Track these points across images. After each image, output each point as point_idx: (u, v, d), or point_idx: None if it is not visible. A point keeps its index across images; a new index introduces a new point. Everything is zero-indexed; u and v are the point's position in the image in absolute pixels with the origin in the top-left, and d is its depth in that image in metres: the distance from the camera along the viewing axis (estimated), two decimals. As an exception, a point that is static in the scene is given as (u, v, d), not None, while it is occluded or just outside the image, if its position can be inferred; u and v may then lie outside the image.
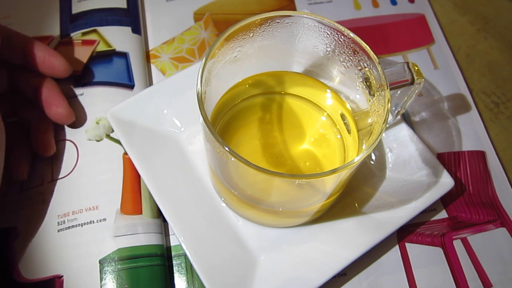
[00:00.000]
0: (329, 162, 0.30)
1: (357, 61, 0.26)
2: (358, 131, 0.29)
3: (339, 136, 0.30)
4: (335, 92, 0.31)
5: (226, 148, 0.22)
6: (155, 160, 0.31)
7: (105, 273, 0.29)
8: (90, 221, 0.31)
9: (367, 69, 0.26)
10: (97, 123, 0.34)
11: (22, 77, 0.32)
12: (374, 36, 0.42)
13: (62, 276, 0.29)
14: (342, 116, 0.30)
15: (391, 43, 0.42)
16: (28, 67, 0.32)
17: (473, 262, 0.32)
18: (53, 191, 0.32)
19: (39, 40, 0.32)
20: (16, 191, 0.32)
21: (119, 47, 0.38)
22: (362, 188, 0.32)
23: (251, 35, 0.27)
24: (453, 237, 0.33)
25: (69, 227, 0.30)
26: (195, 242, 0.29)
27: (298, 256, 0.29)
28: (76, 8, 0.39)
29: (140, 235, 0.31)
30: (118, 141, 0.33)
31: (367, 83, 0.26)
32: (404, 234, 0.33)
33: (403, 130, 0.33)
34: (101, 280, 0.29)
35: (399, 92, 0.29)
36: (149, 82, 0.38)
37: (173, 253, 0.32)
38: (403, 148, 0.33)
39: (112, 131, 0.34)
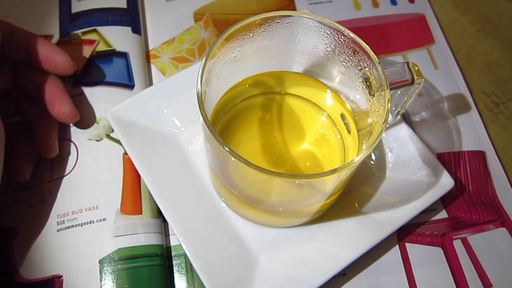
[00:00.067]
0: (329, 162, 0.30)
1: (357, 61, 0.26)
2: (358, 131, 0.29)
3: (339, 136, 0.30)
4: (335, 92, 0.31)
5: (226, 148, 0.22)
6: (155, 160, 0.31)
7: (105, 273, 0.29)
8: (90, 221, 0.31)
9: (367, 69, 0.26)
10: (97, 123, 0.34)
11: (25, 74, 0.32)
12: (374, 36, 0.42)
13: (61, 276, 0.29)
14: (342, 116, 0.30)
15: (391, 43, 0.42)
16: (31, 64, 0.31)
17: (473, 262, 0.32)
18: (52, 190, 0.32)
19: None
20: (16, 190, 0.32)
21: (119, 47, 0.37)
22: (362, 188, 0.32)
23: (251, 35, 0.27)
24: (453, 237, 0.33)
25: (68, 227, 0.30)
26: (195, 242, 0.29)
27: (298, 256, 0.29)
28: (76, 8, 0.39)
29: (140, 235, 0.31)
30: (118, 141, 0.33)
31: (367, 83, 0.26)
32: (404, 234, 0.33)
33: (403, 130, 0.33)
34: (101, 280, 0.29)
35: (399, 92, 0.29)
36: (149, 82, 0.38)
37: (173, 253, 0.32)
38: (403, 148, 0.33)
39: (112, 131, 0.34)
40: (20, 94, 0.33)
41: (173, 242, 0.32)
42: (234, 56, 0.27)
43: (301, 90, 0.31)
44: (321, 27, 0.26)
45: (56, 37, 0.38)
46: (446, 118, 0.38)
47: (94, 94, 0.35)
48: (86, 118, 0.34)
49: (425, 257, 0.32)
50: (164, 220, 0.32)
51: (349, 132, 0.30)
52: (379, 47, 0.41)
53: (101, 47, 0.37)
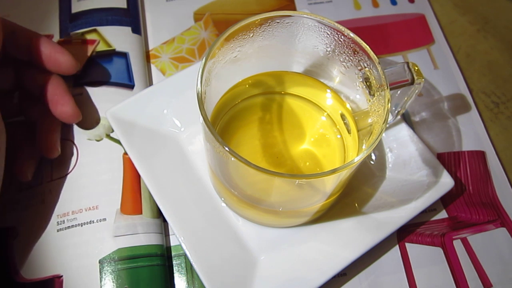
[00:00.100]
0: (329, 162, 0.30)
1: (357, 61, 0.26)
2: (358, 131, 0.29)
3: (339, 136, 0.30)
4: (335, 92, 0.31)
5: (226, 148, 0.22)
6: (155, 160, 0.31)
7: (105, 273, 0.29)
8: (90, 221, 0.31)
9: (367, 69, 0.26)
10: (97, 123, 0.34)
11: (28, 74, 0.32)
12: (374, 36, 0.42)
13: (61, 276, 0.29)
14: (342, 116, 0.30)
15: (391, 43, 0.42)
16: (34, 64, 0.31)
17: (473, 262, 0.32)
18: (52, 191, 0.32)
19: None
20: (16, 191, 0.32)
21: (119, 47, 0.37)
22: (362, 188, 0.32)
23: (251, 35, 0.27)
24: (453, 237, 0.33)
25: (68, 227, 0.30)
26: (195, 242, 0.29)
27: (298, 256, 0.29)
28: (76, 8, 0.39)
29: (140, 235, 0.31)
30: (118, 141, 0.33)
31: (367, 83, 0.26)
32: (404, 234, 0.33)
33: (403, 130, 0.33)
34: (100, 280, 0.29)
35: (399, 92, 0.29)
36: (149, 82, 0.38)
37: (173, 253, 0.32)
38: (403, 148, 0.33)
39: (112, 131, 0.34)
40: (23, 93, 0.33)
41: (173, 242, 0.32)
42: (234, 56, 0.27)
43: (301, 90, 0.31)
44: (321, 27, 0.26)
45: (56, 37, 0.38)
46: (446, 118, 0.38)
47: (94, 94, 0.35)
48: (89, 119, 0.34)
49: (425, 257, 0.32)
50: (164, 220, 0.32)
51: (349, 132, 0.30)
52: (379, 47, 0.41)
53: (101, 47, 0.37)
